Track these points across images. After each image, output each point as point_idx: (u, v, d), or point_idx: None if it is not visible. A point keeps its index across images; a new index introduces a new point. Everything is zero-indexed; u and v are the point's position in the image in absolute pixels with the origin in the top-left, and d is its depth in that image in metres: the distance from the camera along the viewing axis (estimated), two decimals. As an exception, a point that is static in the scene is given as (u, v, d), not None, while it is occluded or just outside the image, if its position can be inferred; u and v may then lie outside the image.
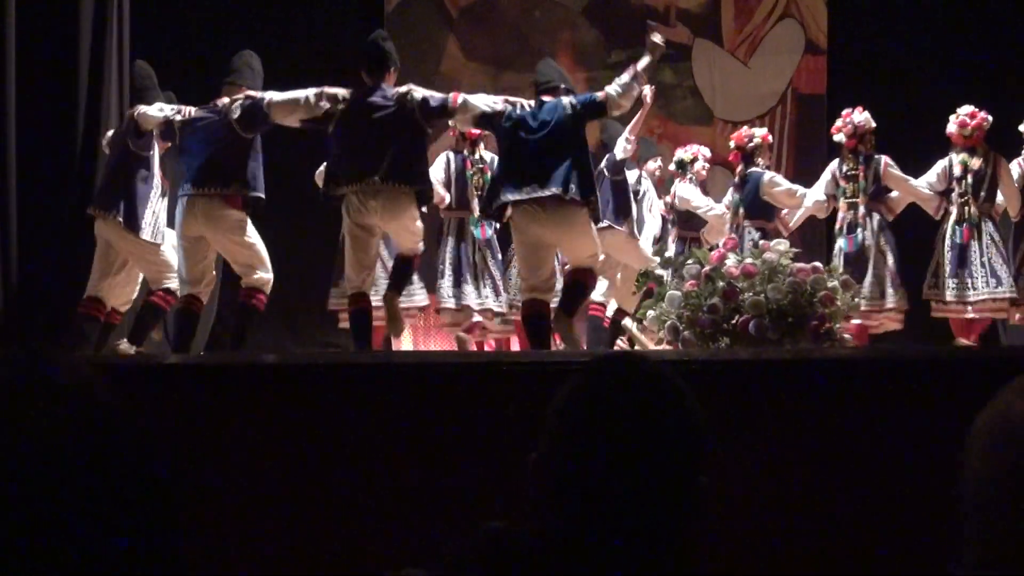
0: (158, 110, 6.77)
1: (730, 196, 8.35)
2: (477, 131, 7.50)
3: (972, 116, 7.87)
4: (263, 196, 6.73)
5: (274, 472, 4.51)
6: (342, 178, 6.50)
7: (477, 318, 8.13)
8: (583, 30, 10.33)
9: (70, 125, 7.94)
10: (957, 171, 7.81)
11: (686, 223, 8.68)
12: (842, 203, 7.93)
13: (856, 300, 6.16)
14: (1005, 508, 0.75)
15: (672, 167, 8.77)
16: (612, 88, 6.42)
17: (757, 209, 8.13)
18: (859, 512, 4.25)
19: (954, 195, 7.81)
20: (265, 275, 6.79)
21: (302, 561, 4.34)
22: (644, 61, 6.71)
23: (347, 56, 9.17)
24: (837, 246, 7.93)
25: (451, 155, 8.11)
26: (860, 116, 7.89)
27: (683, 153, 8.74)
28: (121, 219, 6.73)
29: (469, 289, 8.08)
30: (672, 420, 1.45)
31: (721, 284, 5.97)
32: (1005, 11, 9.38)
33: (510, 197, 6.24)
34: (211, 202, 6.59)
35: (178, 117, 6.74)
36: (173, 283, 6.95)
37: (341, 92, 6.59)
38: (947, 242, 7.80)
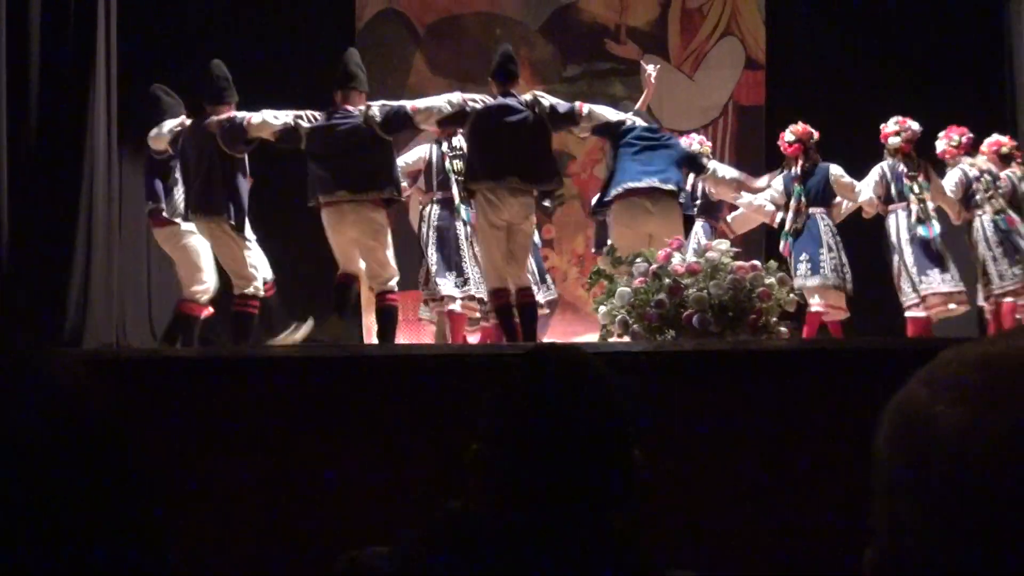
0: (273, 118, 6.66)
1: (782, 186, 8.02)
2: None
3: (960, 132, 8.02)
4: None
5: (256, 458, 4.49)
6: (480, 175, 6.61)
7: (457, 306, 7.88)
8: (540, 47, 10.33)
9: (56, 126, 7.81)
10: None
11: (708, 211, 8.34)
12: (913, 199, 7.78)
13: (791, 295, 6.17)
14: (906, 494, 0.75)
15: None
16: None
17: (823, 199, 7.94)
18: (789, 487, 4.28)
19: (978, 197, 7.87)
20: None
21: (277, 540, 4.31)
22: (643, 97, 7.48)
23: (321, 70, 9.14)
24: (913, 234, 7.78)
25: (432, 146, 7.89)
26: (916, 125, 7.90)
27: (696, 146, 8.29)
28: (233, 221, 6.63)
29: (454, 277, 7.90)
30: (598, 402, 1.45)
31: (667, 281, 5.98)
32: (931, 27, 9.46)
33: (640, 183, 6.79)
34: (362, 207, 6.57)
35: (304, 124, 6.62)
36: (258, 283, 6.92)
37: (461, 98, 6.73)
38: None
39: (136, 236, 8.86)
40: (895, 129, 7.88)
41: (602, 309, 6.22)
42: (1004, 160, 8.13)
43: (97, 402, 1.07)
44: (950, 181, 7.96)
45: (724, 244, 6.35)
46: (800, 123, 7.96)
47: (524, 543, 1.38)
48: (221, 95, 6.81)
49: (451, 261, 7.64)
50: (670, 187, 6.80)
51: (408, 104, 6.78)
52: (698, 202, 8.14)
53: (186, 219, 6.84)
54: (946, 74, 9.32)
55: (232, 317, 6.86)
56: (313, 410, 4.53)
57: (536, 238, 8.02)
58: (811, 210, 7.83)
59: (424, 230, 7.77)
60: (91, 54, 7.91)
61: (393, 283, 6.82)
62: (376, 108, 6.64)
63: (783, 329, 6.10)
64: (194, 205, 6.64)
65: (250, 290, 6.78)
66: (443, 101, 6.76)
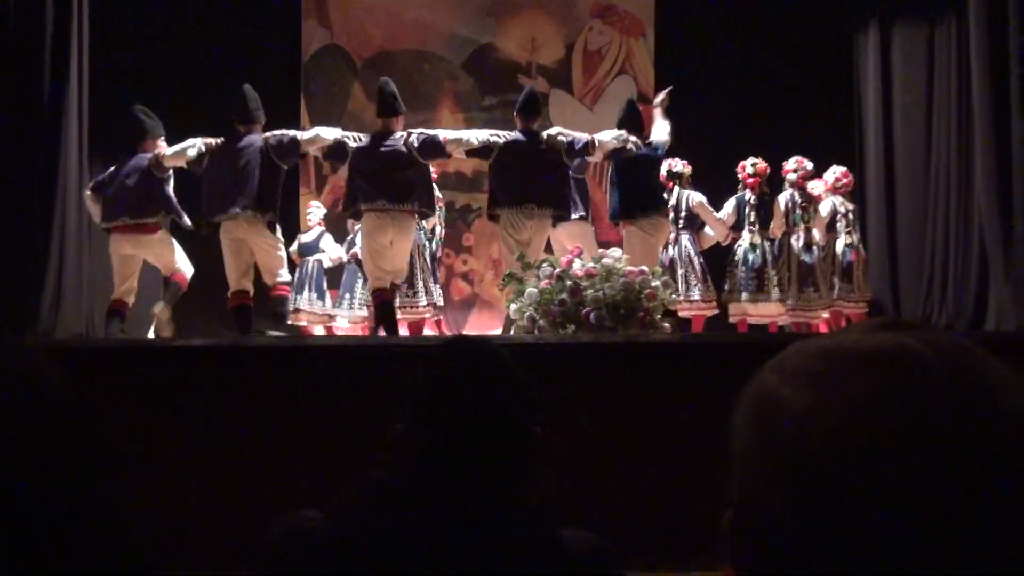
0: (325, 134, 6.73)
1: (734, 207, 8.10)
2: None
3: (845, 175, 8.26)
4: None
5: (204, 434, 4.41)
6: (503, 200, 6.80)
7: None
8: (462, 80, 10.30)
9: (33, 143, 7.57)
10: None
11: (691, 225, 8.19)
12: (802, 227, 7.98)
13: (673, 296, 6.23)
14: (758, 464, 0.75)
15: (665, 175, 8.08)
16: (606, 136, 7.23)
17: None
18: (667, 455, 4.33)
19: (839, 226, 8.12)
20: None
21: (222, 504, 4.24)
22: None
23: (272, 97, 9.00)
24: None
25: None
26: (810, 164, 8.12)
27: (680, 166, 8.18)
28: (271, 219, 6.69)
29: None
30: (503, 386, 1.46)
31: (569, 283, 6.01)
32: (789, 65, 9.61)
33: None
34: (403, 217, 6.66)
35: (351, 143, 6.69)
36: (287, 276, 7.01)
37: (487, 135, 6.85)
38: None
39: (103, 240, 8.67)
40: (793, 167, 8.06)
41: (513, 307, 6.22)
42: (836, 190, 8.34)
43: (53, 383, 1.04)
44: (823, 211, 8.15)
45: (617, 252, 6.40)
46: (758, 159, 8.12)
47: (438, 506, 1.37)
48: (253, 115, 6.84)
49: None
50: None
51: (441, 135, 6.86)
52: (683, 214, 8.09)
53: (212, 219, 6.77)
54: (800, 107, 9.44)
55: (272, 302, 6.90)
56: (257, 392, 4.47)
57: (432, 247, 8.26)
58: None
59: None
60: (64, 81, 7.69)
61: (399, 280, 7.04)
62: (415, 136, 6.75)
63: (666, 325, 6.16)
64: (241, 205, 6.58)
65: (282, 279, 6.87)
66: (471, 135, 6.94)
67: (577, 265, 6.12)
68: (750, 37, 9.85)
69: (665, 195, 7.91)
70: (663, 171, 7.92)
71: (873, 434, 0.68)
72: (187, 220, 6.90)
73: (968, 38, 7.86)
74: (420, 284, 7.90)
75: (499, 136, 6.88)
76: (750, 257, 7.88)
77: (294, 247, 8.89)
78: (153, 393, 4.44)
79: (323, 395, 4.40)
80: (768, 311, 7.96)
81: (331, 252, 8.96)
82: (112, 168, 6.96)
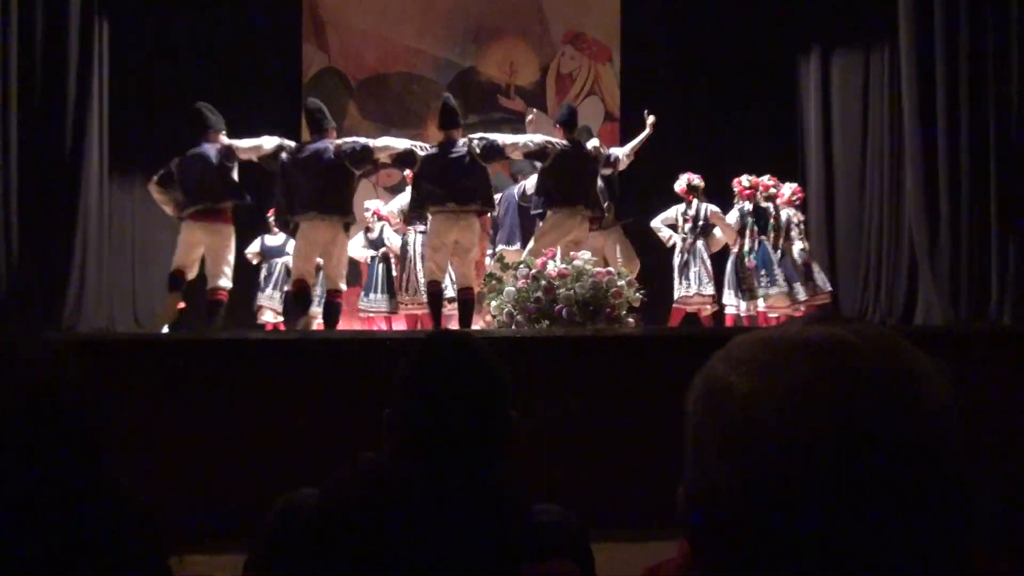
0: (395, 144, 6.67)
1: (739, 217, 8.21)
2: None
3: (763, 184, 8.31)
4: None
5: (215, 419, 4.38)
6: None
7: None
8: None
9: (59, 154, 7.49)
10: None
11: (705, 233, 8.22)
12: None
13: (637, 294, 6.25)
14: (708, 443, 0.76)
15: (684, 187, 8.19)
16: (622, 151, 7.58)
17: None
18: (630, 437, 4.33)
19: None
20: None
21: (231, 483, 4.21)
22: (643, 136, 7.63)
23: (276, 114, 8.96)
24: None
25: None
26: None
27: (697, 180, 8.19)
28: (347, 221, 6.68)
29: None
30: (482, 376, 1.45)
31: (544, 282, 6.01)
32: (738, 89, 9.65)
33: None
34: (468, 216, 6.66)
35: (420, 151, 6.65)
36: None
37: (543, 139, 6.85)
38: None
39: (122, 243, 8.61)
40: (772, 183, 8.27)
41: (493, 303, 6.22)
42: (791, 203, 8.45)
43: (70, 373, 1.03)
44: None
45: (586, 254, 6.40)
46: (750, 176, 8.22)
47: (424, 484, 1.37)
48: (320, 124, 6.77)
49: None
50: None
51: (499, 139, 6.81)
52: (701, 223, 8.13)
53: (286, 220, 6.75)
54: (749, 125, 9.48)
55: (330, 307, 6.78)
56: (262, 382, 4.44)
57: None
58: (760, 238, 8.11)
59: (411, 250, 8.22)
60: (87, 100, 7.62)
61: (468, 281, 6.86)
62: (476, 141, 6.70)
63: (631, 320, 6.18)
64: (318, 206, 6.53)
65: (343, 285, 6.84)
66: (527, 139, 6.94)
67: (551, 266, 6.13)
68: (704, 62, 9.91)
69: (684, 205, 8.18)
70: (683, 184, 8.15)
71: (806, 415, 0.69)
72: (248, 199, 6.75)
73: (899, 64, 7.92)
74: (420, 284, 8.00)
75: (553, 142, 6.88)
76: (749, 258, 8.07)
77: (256, 248, 8.80)
78: (167, 382, 4.41)
79: (323, 384, 4.38)
80: (778, 303, 8.07)
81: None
82: (176, 160, 6.71)
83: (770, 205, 8.19)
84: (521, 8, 10.52)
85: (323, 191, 6.53)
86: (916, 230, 7.73)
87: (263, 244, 8.82)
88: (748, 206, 8.17)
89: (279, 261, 8.75)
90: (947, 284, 7.31)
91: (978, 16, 7.15)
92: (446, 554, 1.31)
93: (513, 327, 5.96)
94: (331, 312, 6.73)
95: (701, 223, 8.17)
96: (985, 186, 7.12)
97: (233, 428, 4.31)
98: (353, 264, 8.10)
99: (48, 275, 7.36)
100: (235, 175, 6.71)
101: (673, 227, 8.28)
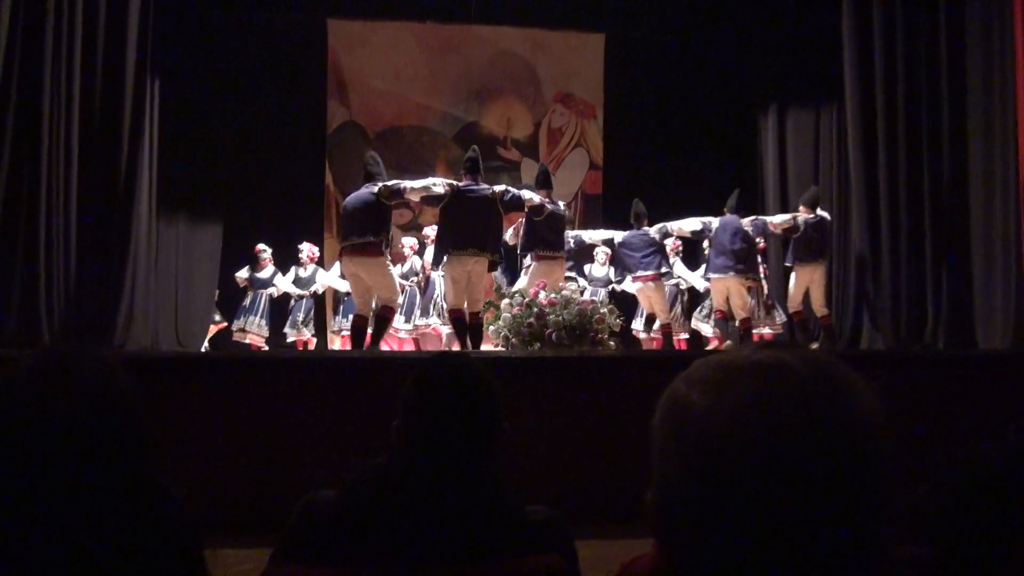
0: (434, 185, 6.51)
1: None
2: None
3: None
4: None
5: (247, 428, 4.35)
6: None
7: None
8: (453, 149, 10.34)
9: (113, 191, 7.46)
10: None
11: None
12: None
13: (618, 321, 6.24)
14: (671, 455, 0.76)
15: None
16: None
17: None
18: (611, 446, 4.31)
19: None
20: None
21: (260, 485, 4.18)
22: None
23: (301, 164, 8.96)
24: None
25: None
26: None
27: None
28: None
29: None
30: (478, 392, 1.46)
31: (536, 309, 6.01)
32: (704, 138, 9.72)
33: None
34: (480, 262, 6.51)
35: (441, 190, 6.48)
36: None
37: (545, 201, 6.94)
38: None
39: (167, 272, 8.61)
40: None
41: (492, 328, 6.22)
42: None
43: (122, 383, 1.04)
44: None
45: (574, 285, 6.40)
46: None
47: (427, 486, 1.37)
48: (373, 176, 6.55)
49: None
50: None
51: (519, 193, 6.85)
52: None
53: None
54: (714, 173, 9.58)
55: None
56: (288, 395, 4.42)
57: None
58: None
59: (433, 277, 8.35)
60: (139, 147, 7.63)
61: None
62: (499, 191, 6.70)
63: (612, 344, 6.17)
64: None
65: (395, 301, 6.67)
66: (535, 196, 6.96)
67: (542, 295, 6.13)
68: (676, 118, 10.02)
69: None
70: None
71: (754, 427, 0.70)
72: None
73: (846, 120, 7.99)
74: (429, 308, 8.13)
75: (550, 202, 7.03)
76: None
77: (244, 274, 8.80)
78: (203, 395, 4.39)
79: (340, 398, 4.36)
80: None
81: (328, 280, 8.79)
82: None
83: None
84: (518, 72, 10.67)
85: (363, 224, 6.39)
86: (861, 266, 7.76)
87: (253, 275, 8.89)
88: None
89: (264, 292, 8.80)
90: (888, 313, 7.32)
91: (915, 80, 7.22)
92: (449, 547, 1.31)
93: (509, 348, 5.95)
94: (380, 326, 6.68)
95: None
96: (921, 227, 7.15)
97: (260, 437, 4.29)
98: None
99: (102, 299, 7.34)
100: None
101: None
